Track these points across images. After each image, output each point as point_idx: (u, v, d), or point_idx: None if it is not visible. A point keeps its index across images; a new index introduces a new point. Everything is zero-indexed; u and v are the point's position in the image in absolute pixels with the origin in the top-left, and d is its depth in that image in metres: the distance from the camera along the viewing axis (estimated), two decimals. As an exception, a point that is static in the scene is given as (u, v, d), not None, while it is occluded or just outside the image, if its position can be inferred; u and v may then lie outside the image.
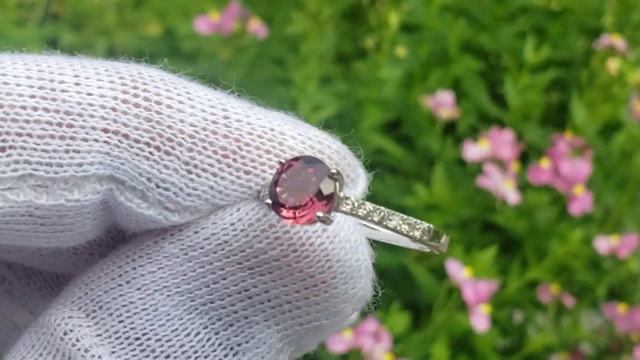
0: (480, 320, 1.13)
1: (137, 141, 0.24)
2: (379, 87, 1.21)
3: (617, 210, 1.28)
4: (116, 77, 0.24)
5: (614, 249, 1.20)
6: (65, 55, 0.26)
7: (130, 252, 0.25)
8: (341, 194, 0.24)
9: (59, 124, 0.23)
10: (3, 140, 0.23)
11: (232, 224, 0.24)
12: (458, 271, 1.14)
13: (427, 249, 0.26)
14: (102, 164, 0.24)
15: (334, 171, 0.24)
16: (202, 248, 0.24)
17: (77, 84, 0.24)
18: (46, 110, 0.23)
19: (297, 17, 1.18)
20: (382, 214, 0.24)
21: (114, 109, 0.24)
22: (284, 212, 0.24)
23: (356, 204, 0.24)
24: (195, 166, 0.24)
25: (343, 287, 0.25)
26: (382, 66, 1.19)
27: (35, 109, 0.23)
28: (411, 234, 0.24)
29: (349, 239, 0.25)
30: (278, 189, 0.24)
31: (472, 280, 1.12)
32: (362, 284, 0.25)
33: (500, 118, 1.32)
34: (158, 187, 0.24)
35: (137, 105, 0.24)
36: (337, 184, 0.24)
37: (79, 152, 0.23)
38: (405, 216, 0.24)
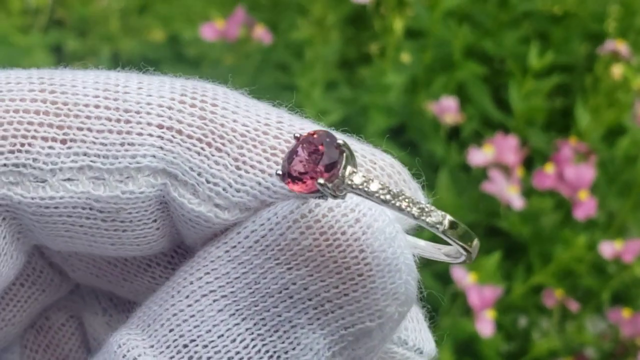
0: (485, 326, 1.13)
1: (189, 137, 0.25)
2: (383, 93, 1.21)
3: (622, 215, 1.28)
4: (178, 85, 0.26)
5: (618, 253, 1.21)
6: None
7: (185, 265, 0.25)
8: (349, 168, 0.23)
9: (118, 120, 0.25)
10: (65, 134, 0.25)
11: (268, 219, 0.24)
12: (463, 276, 1.14)
13: (458, 260, 0.26)
14: (155, 157, 0.25)
15: (340, 142, 0.23)
16: (242, 247, 0.24)
17: (139, 88, 0.25)
18: (107, 108, 0.25)
19: (302, 23, 1.18)
20: (392, 192, 0.23)
21: (170, 108, 0.25)
22: (290, 182, 0.24)
23: (364, 179, 0.23)
24: (244, 162, 0.25)
25: (381, 280, 0.24)
26: (386, 72, 1.19)
27: (97, 106, 0.25)
28: (422, 217, 0.23)
29: (384, 230, 0.24)
30: (291, 161, 0.24)
31: (477, 286, 1.13)
32: (403, 279, 0.24)
33: (505, 123, 1.33)
34: (208, 182, 0.25)
35: (192, 106, 0.25)
36: (344, 155, 0.23)
37: (133, 144, 0.25)
38: (418, 200, 0.24)
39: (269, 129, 0.25)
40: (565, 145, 1.19)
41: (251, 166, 0.25)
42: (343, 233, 0.24)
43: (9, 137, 0.24)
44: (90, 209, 0.25)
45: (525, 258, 1.28)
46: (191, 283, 0.24)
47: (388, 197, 0.23)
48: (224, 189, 0.25)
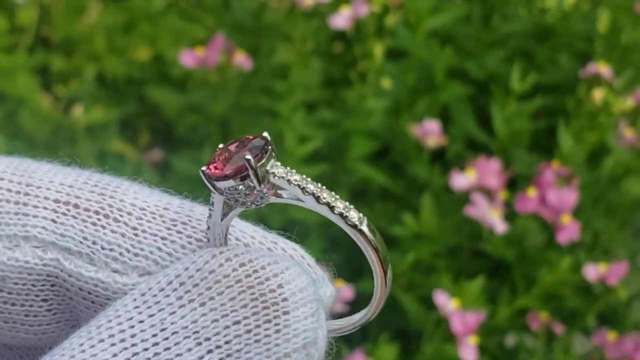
0: (468, 352, 1.13)
1: (86, 209, 0.25)
2: (365, 118, 1.21)
3: (606, 236, 1.28)
4: (87, 173, 0.27)
5: (602, 276, 1.20)
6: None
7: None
8: (273, 160, 0.23)
9: (17, 192, 0.26)
10: None
11: (183, 263, 0.24)
12: (446, 302, 1.13)
13: (366, 316, 0.25)
14: (46, 229, 0.25)
15: (266, 135, 0.24)
16: (152, 291, 0.23)
17: (48, 172, 0.26)
18: (10, 181, 0.26)
19: (282, 48, 1.18)
20: (315, 185, 0.23)
21: (70, 186, 0.26)
22: (212, 169, 0.23)
23: (287, 170, 0.24)
24: (144, 231, 0.25)
25: (295, 319, 0.23)
26: (367, 97, 1.19)
27: (1, 179, 0.26)
28: (344, 212, 0.23)
29: (301, 274, 0.24)
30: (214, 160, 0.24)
31: (460, 312, 1.12)
32: (316, 325, 0.23)
33: (489, 145, 1.32)
34: (103, 248, 0.25)
35: (94, 185, 0.26)
36: (270, 147, 0.23)
37: (27, 215, 0.25)
38: (338, 197, 0.24)
39: (170, 206, 0.26)
40: (547, 169, 1.18)
41: (151, 234, 0.25)
42: (263, 267, 0.23)
43: None
44: None
45: (510, 279, 1.27)
46: (89, 332, 0.23)
47: (310, 187, 0.23)
48: (120, 254, 0.25)
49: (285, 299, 0.23)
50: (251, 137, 0.24)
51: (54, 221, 0.25)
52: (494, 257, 1.27)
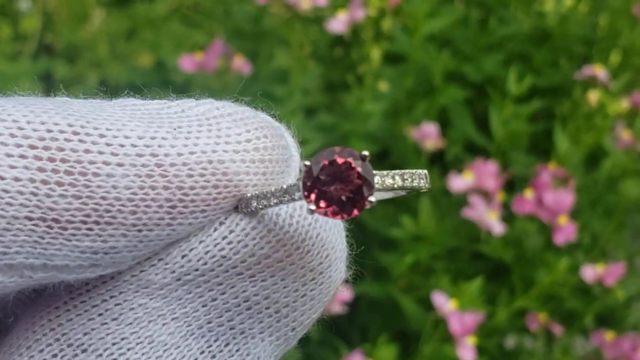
0: (466, 352, 1.13)
1: (70, 222, 0.21)
2: (363, 121, 1.22)
3: (604, 237, 1.28)
4: (27, 147, 0.21)
5: (600, 277, 1.21)
6: None
7: (105, 290, 0.23)
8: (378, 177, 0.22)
9: None
10: None
11: (224, 238, 0.23)
12: (444, 303, 1.14)
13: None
14: (32, 253, 0.21)
15: (365, 153, 0.22)
16: (196, 270, 0.23)
17: None
18: None
19: (281, 53, 1.19)
20: (399, 174, 0.22)
21: (34, 194, 0.21)
22: (313, 199, 0.22)
23: (379, 178, 0.22)
24: (145, 224, 0.22)
25: (335, 271, 0.24)
26: (365, 101, 1.20)
27: None
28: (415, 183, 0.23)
29: (335, 222, 0.24)
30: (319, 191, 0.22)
31: (458, 313, 1.13)
32: (344, 265, 0.25)
33: (486, 147, 1.33)
34: (107, 254, 0.22)
35: (59, 184, 0.21)
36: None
37: (2, 241, 0.21)
38: (401, 171, 0.23)
39: (154, 181, 0.22)
40: (544, 171, 1.19)
41: (155, 225, 0.23)
42: (310, 237, 0.24)
43: None
44: None
45: (508, 281, 1.28)
46: (132, 309, 0.23)
47: (402, 183, 0.22)
48: (129, 251, 0.22)
49: (329, 264, 0.24)
50: (342, 153, 0.22)
51: (37, 242, 0.21)
52: (492, 258, 1.28)
